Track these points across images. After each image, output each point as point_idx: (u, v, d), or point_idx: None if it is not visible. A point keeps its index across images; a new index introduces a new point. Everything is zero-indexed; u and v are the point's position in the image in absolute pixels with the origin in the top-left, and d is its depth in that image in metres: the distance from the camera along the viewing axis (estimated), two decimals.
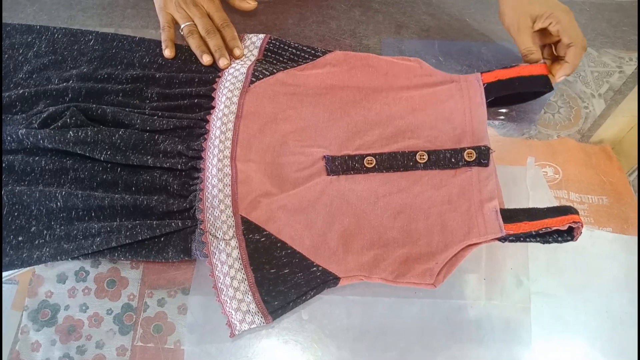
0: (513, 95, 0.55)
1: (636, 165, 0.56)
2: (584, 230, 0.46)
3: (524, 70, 0.54)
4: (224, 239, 0.45)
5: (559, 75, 0.55)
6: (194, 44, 0.57)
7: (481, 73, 0.54)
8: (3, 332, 0.44)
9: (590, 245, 0.50)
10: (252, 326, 0.42)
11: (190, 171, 0.49)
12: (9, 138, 0.50)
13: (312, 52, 0.58)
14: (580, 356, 0.45)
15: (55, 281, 0.46)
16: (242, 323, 0.42)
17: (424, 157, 0.50)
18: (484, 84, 0.54)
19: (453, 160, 0.50)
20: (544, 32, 0.56)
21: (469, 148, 0.50)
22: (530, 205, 0.48)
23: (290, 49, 0.58)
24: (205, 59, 0.56)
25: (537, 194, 0.53)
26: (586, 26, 0.65)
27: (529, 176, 0.54)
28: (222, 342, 0.43)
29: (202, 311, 0.45)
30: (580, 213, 0.51)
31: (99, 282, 0.47)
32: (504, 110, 0.59)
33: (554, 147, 0.57)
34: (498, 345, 0.45)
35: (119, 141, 0.49)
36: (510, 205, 0.49)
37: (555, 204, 0.52)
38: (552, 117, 0.60)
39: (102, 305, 0.46)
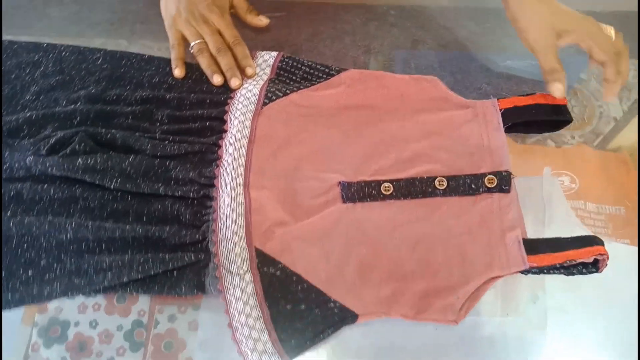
0: (532, 124, 0.53)
1: None
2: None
3: (542, 98, 0.52)
4: (238, 274, 0.44)
5: (606, 98, 0.51)
6: (204, 63, 0.55)
7: (498, 99, 0.53)
8: (14, 349, 0.44)
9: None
10: None
11: (202, 199, 0.48)
12: (16, 165, 0.49)
13: (326, 70, 0.56)
14: None
15: (65, 297, 0.45)
16: None
17: (443, 183, 0.49)
18: (500, 110, 0.52)
19: (473, 186, 0.49)
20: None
21: (489, 174, 0.49)
22: (547, 217, 0.47)
23: (303, 67, 0.56)
24: (216, 80, 0.54)
25: (553, 206, 0.51)
26: None
27: (545, 187, 0.52)
28: (234, 359, 0.42)
29: (213, 327, 0.44)
30: (597, 224, 0.50)
31: (109, 298, 0.46)
32: None
33: (570, 155, 0.55)
34: None
35: (129, 168, 0.48)
36: (526, 216, 0.47)
37: (572, 215, 0.51)
38: None
39: (112, 322, 0.45)
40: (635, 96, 0.60)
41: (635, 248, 0.49)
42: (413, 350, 0.44)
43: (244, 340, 0.42)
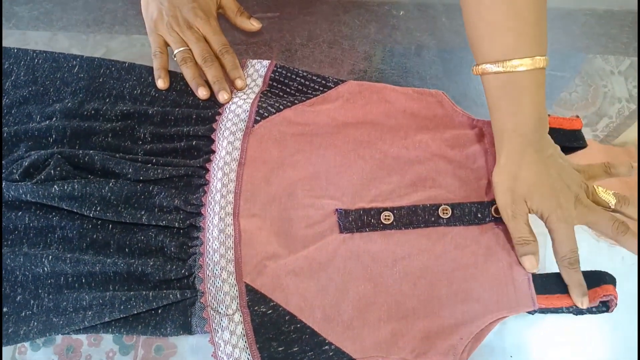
0: None
1: None
2: (603, 244, 0.44)
3: (555, 121, 0.48)
4: (227, 314, 0.41)
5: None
6: (188, 74, 0.50)
7: None
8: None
9: (607, 261, 0.46)
10: None
11: (188, 229, 0.45)
12: None
13: (323, 82, 0.52)
14: None
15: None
16: None
17: (448, 211, 0.45)
18: None
19: (479, 215, 0.45)
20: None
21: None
22: None
23: (298, 78, 0.52)
24: (202, 93, 0.50)
25: None
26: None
27: None
28: None
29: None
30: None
31: None
32: None
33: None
34: None
35: (109, 194, 0.44)
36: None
37: None
38: (569, 96, 0.55)
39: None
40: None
41: None
42: None
43: None
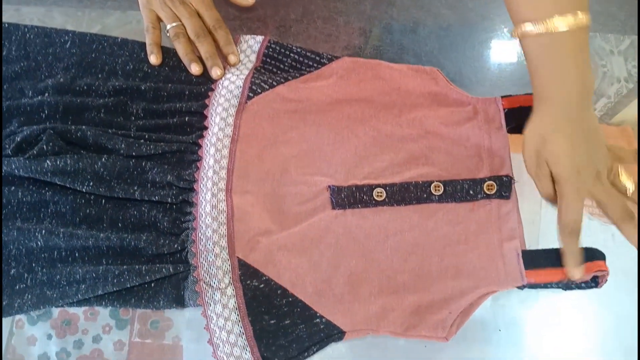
0: None
1: None
2: (598, 224, 0.44)
3: None
4: (219, 288, 0.41)
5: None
6: (181, 50, 0.50)
7: (502, 97, 0.48)
8: None
9: (604, 240, 0.46)
10: None
11: (181, 205, 0.45)
12: None
13: (317, 58, 0.51)
14: (587, 355, 0.43)
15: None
16: None
17: (440, 188, 0.46)
18: (504, 109, 0.48)
19: (471, 192, 0.46)
20: None
21: (489, 179, 0.46)
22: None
23: (292, 54, 0.52)
24: (194, 69, 0.50)
25: None
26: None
27: None
28: None
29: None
30: (594, 204, 0.47)
31: None
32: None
33: None
34: (504, 346, 0.43)
35: (102, 170, 0.44)
36: (522, 196, 0.46)
37: None
38: None
39: None
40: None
41: None
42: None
43: (225, 358, 0.40)
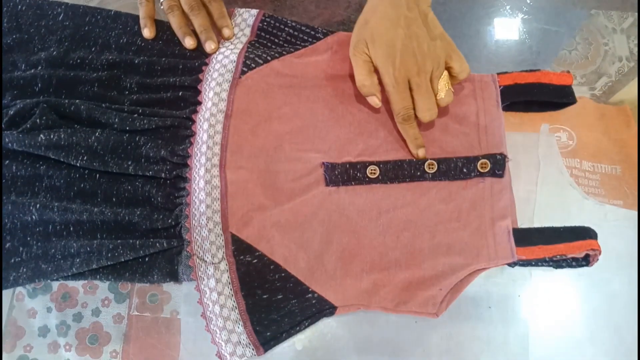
0: (532, 103, 0.49)
1: None
2: (594, 204, 0.45)
3: (545, 76, 0.47)
4: (212, 263, 0.42)
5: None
6: (175, 23, 0.49)
7: (498, 74, 0.48)
8: None
9: (598, 220, 0.46)
10: (243, 359, 0.40)
11: (175, 180, 0.45)
12: None
13: (312, 33, 0.50)
14: (577, 333, 0.44)
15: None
16: (233, 356, 0.40)
17: (434, 166, 0.45)
18: (500, 87, 0.47)
19: (465, 170, 0.45)
20: None
21: (483, 157, 0.45)
22: (540, 177, 0.46)
23: (287, 28, 0.51)
24: (188, 43, 0.49)
25: (547, 165, 0.49)
26: None
27: (541, 145, 0.49)
28: None
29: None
30: (591, 184, 0.48)
31: None
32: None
33: (570, 108, 0.51)
34: (495, 323, 0.44)
35: (95, 144, 0.44)
36: (519, 176, 0.46)
37: (567, 175, 0.48)
38: (569, 54, 0.54)
39: None
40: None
41: (626, 211, 0.48)
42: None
43: (218, 332, 0.41)
